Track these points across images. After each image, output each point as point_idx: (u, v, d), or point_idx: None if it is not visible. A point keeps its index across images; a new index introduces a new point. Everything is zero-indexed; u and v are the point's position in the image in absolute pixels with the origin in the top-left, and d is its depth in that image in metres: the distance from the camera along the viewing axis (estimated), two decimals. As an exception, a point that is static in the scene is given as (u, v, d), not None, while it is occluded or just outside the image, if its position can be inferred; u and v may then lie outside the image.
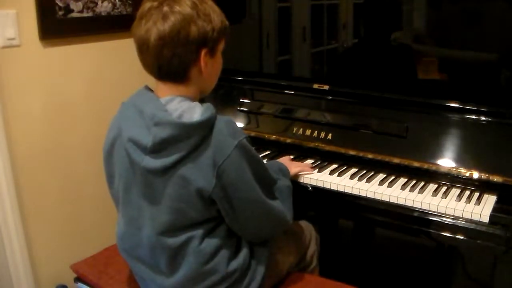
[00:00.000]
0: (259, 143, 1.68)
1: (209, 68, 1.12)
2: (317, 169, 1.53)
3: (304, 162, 1.58)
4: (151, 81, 1.16)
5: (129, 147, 1.08)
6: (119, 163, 1.15)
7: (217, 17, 1.09)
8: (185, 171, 1.04)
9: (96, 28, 1.81)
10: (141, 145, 1.06)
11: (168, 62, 1.06)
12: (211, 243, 1.12)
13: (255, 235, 1.20)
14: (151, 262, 1.16)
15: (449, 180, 1.40)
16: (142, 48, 1.06)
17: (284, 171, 1.35)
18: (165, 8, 1.03)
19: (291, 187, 1.30)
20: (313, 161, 1.59)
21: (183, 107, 1.07)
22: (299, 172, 1.49)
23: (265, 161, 1.58)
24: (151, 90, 1.15)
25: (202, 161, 1.03)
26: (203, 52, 1.08)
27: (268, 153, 1.67)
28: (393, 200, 1.36)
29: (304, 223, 1.52)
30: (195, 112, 1.06)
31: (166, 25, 1.02)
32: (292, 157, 1.61)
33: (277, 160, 1.51)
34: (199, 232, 1.10)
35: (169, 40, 1.03)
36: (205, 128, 1.04)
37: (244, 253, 1.18)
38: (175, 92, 1.10)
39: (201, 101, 1.16)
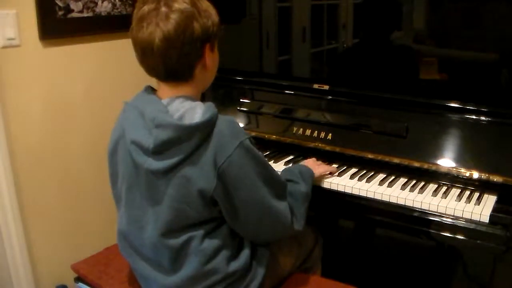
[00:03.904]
0: (259, 143, 1.68)
1: (212, 62, 1.13)
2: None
3: (330, 166, 1.51)
4: (151, 81, 1.16)
5: (132, 149, 1.09)
6: (123, 164, 1.15)
7: (213, 11, 1.10)
8: (186, 172, 1.04)
9: (96, 28, 1.81)
10: (143, 147, 1.06)
11: (175, 62, 1.05)
12: (211, 243, 1.12)
13: (255, 236, 1.20)
14: (155, 260, 1.16)
15: (449, 180, 1.40)
16: (146, 51, 1.05)
17: (304, 174, 1.28)
18: (164, 8, 1.02)
19: (309, 193, 1.25)
20: (337, 165, 1.53)
21: (185, 108, 1.07)
22: (323, 173, 1.44)
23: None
24: (154, 90, 1.15)
25: (203, 162, 1.03)
26: (207, 48, 1.09)
27: (268, 153, 1.67)
28: (393, 200, 1.36)
29: (309, 227, 1.49)
30: (196, 113, 1.06)
31: (170, 25, 1.01)
32: (313, 158, 1.55)
33: (302, 162, 1.46)
34: (199, 232, 1.11)
35: (175, 39, 1.02)
36: (206, 129, 1.04)
37: (245, 254, 1.18)
38: (178, 92, 1.10)
39: (202, 99, 1.16)
